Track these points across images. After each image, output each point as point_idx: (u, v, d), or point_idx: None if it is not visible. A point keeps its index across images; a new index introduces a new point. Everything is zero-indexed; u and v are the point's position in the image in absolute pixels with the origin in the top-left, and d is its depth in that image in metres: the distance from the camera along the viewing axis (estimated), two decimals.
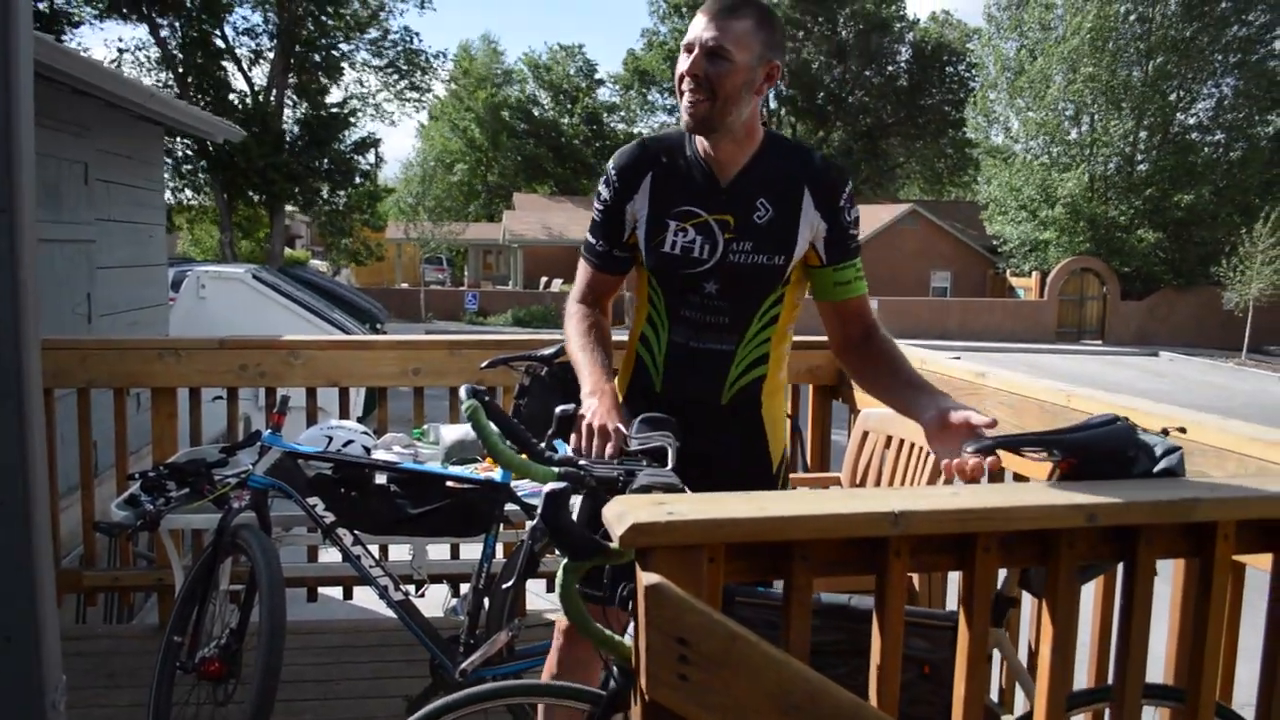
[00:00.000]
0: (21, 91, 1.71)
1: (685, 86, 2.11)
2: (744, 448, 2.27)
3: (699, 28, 2.08)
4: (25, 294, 1.70)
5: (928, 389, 2.06)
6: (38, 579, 1.76)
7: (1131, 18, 33.10)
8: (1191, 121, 35.38)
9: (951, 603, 3.41)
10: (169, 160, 29.25)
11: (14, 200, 1.69)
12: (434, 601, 3.45)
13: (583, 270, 2.37)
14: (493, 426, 1.88)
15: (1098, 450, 1.77)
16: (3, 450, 1.69)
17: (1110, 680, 1.91)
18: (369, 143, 34.90)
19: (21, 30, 1.71)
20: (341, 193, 34.41)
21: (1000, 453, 1.78)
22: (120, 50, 31.90)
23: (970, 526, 1.57)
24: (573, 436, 2.02)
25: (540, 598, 4.40)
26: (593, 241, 2.33)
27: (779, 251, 2.17)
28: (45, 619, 1.78)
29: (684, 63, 2.10)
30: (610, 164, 2.27)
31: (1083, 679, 2.61)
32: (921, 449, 3.13)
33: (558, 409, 2.09)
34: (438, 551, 4.00)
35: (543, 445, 1.98)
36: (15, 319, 1.67)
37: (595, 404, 2.05)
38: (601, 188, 2.28)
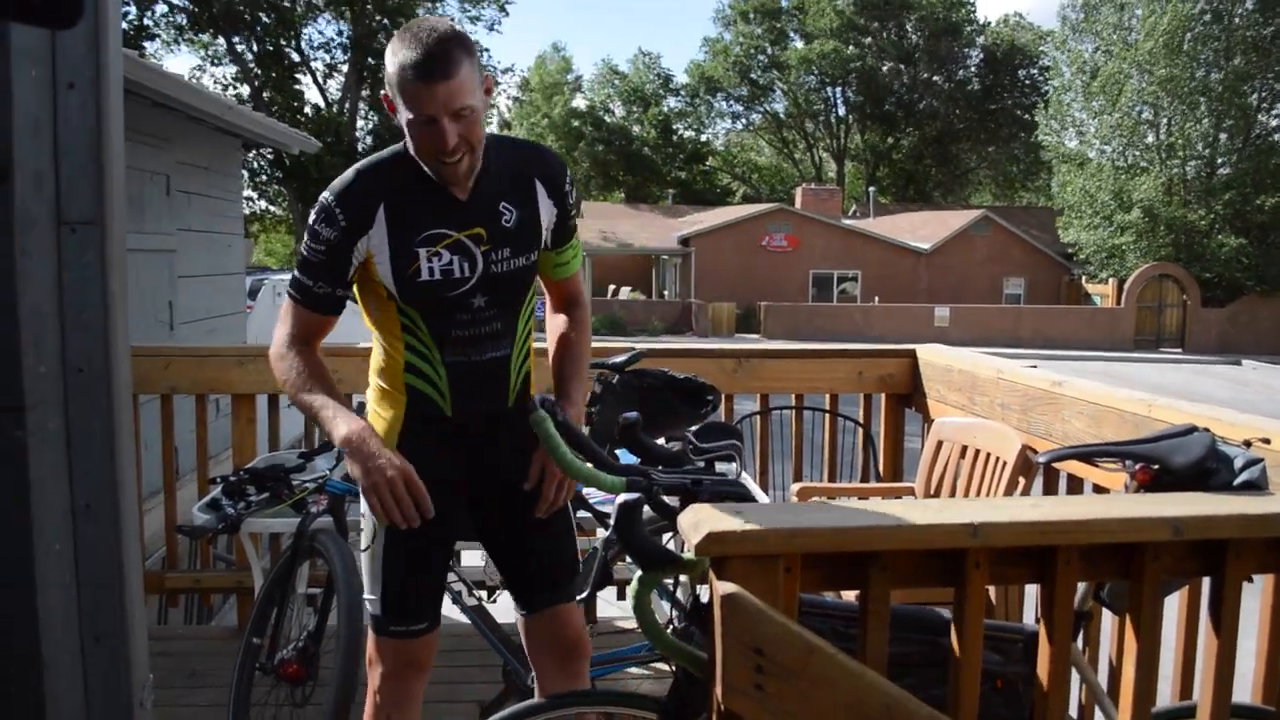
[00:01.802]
0: (112, 105, 1.75)
1: (445, 158, 2.01)
2: (532, 448, 2.23)
3: (430, 101, 1.94)
4: (116, 303, 1.75)
5: (563, 389, 2.23)
6: (127, 579, 1.80)
7: (1208, 17, 32.29)
8: (1274, 123, 34.38)
9: (1029, 616, 3.35)
10: (245, 171, 29.92)
11: (105, 212, 1.74)
12: (506, 607, 3.46)
13: (294, 313, 2.18)
14: (560, 436, 1.88)
15: (1176, 461, 1.73)
16: (94, 455, 1.74)
17: (1195, 698, 1.86)
18: None
19: (112, 47, 1.76)
20: None
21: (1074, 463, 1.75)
22: (199, 68, 32.74)
23: (1051, 539, 1.54)
24: (370, 502, 2.01)
25: (611, 605, 4.41)
26: (309, 283, 2.13)
27: (531, 248, 2.20)
28: (134, 619, 1.83)
29: (433, 138, 1.98)
30: (328, 199, 2.08)
31: (1165, 696, 2.55)
32: (998, 459, 3.07)
33: (621, 416, 2.09)
34: None
35: (611, 454, 1.99)
36: (106, 327, 1.71)
37: (375, 451, 2.01)
38: (320, 226, 2.07)
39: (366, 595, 2.28)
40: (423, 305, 2.13)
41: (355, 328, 2.39)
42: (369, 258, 2.09)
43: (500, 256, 2.15)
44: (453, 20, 2.15)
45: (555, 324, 2.39)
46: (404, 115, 1.98)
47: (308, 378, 2.14)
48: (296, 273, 2.14)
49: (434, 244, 2.09)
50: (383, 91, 2.07)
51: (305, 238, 2.12)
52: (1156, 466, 1.68)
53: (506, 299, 2.20)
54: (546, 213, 2.22)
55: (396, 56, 1.95)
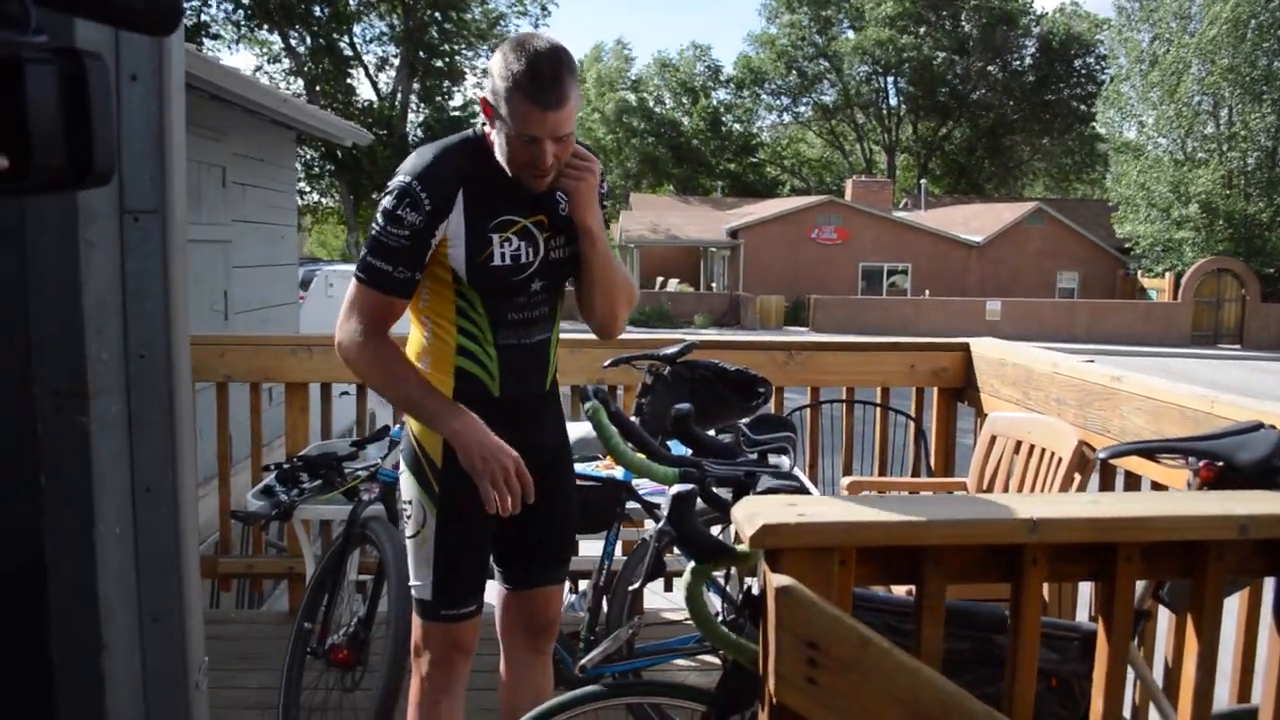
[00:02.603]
0: (174, 97, 1.78)
1: (536, 174, 2.05)
2: (562, 427, 2.42)
3: (539, 125, 1.98)
4: (176, 291, 1.77)
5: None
6: (184, 562, 1.83)
7: (1274, 4, 31.51)
8: None
9: (1082, 613, 3.30)
10: (298, 164, 30.30)
11: (166, 202, 1.76)
12: None
13: (368, 300, 2.13)
14: (613, 427, 1.88)
15: (1241, 458, 1.69)
16: (154, 440, 1.76)
17: (1254, 700, 1.81)
18: None
19: (174, 41, 1.79)
20: None
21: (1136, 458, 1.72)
22: (257, 68, 33.19)
23: (1110, 536, 1.51)
24: (484, 489, 2.07)
25: (658, 596, 4.41)
26: (388, 269, 2.09)
27: (578, 237, 2.23)
28: (190, 601, 1.86)
29: (531, 156, 2.02)
30: (410, 182, 2.07)
31: (1221, 699, 2.50)
32: (1054, 454, 3.03)
33: (673, 408, 2.09)
34: None
35: (662, 445, 1.98)
36: (167, 315, 1.74)
37: (491, 442, 2.08)
38: (404, 210, 2.06)
39: (413, 582, 2.29)
40: (486, 289, 2.16)
41: (404, 317, 2.40)
42: (444, 242, 2.10)
43: (557, 243, 2.21)
44: (554, 38, 2.13)
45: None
46: (506, 128, 2.01)
47: (400, 370, 2.14)
48: (371, 258, 2.10)
49: (505, 230, 2.14)
50: (481, 95, 2.08)
51: (383, 222, 2.08)
52: (1221, 464, 1.65)
53: (556, 284, 2.26)
54: None
55: (511, 72, 1.97)
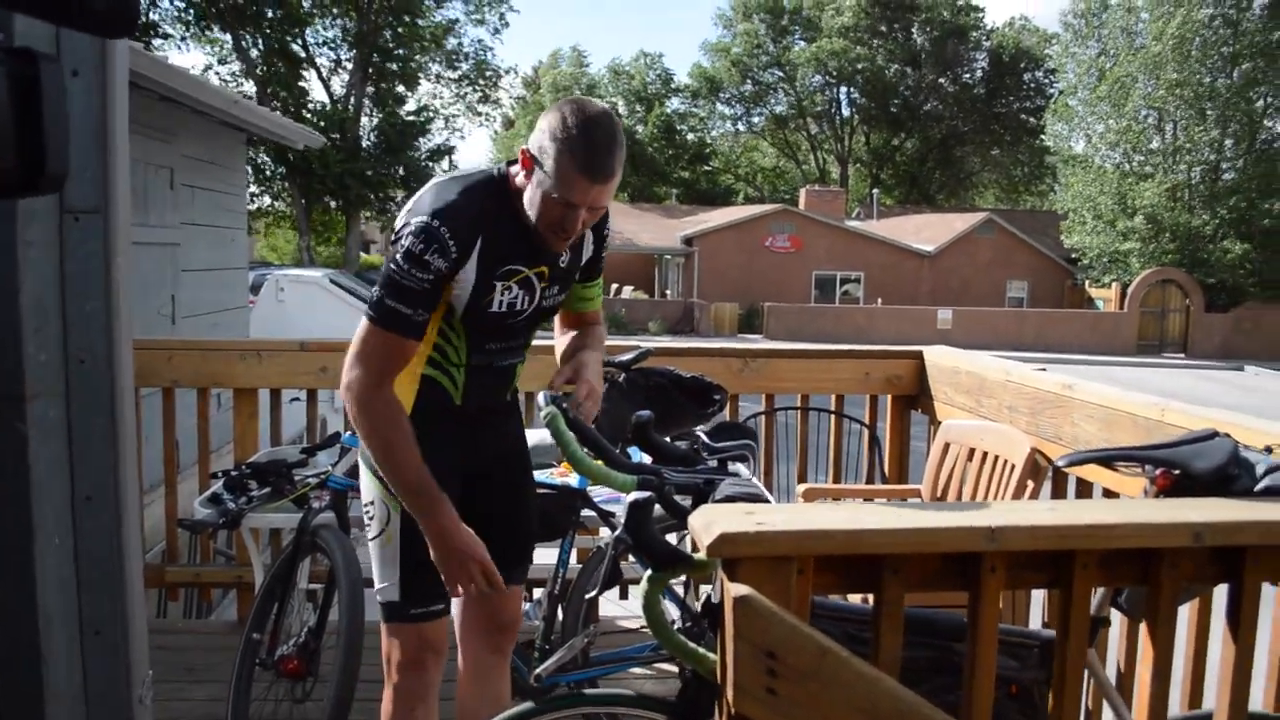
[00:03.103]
0: (117, 94, 1.73)
1: (563, 235, 2.06)
2: (520, 430, 2.48)
3: (583, 195, 1.98)
4: (118, 293, 1.73)
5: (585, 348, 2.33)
6: (127, 574, 1.78)
7: (1216, 22, 32.20)
8: None
9: (1034, 620, 3.32)
10: (249, 167, 29.98)
11: (109, 201, 1.71)
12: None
13: (386, 345, 2.05)
14: (570, 434, 1.86)
15: (1197, 466, 1.70)
16: (95, 446, 1.71)
17: (1208, 707, 1.83)
18: (443, 150, 35.39)
19: (118, 41, 1.74)
20: None
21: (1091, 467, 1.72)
22: (206, 67, 32.78)
23: (1069, 543, 1.52)
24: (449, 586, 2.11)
25: (613, 604, 4.38)
26: (408, 312, 2.02)
27: (570, 283, 2.31)
28: (134, 614, 1.81)
29: (563, 218, 2.01)
30: (440, 226, 2.00)
31: (1175, 704, 2.52)
32: (1007, 462, 3.05)
33: (634, 415, 2.07)
34: None
35: (622, 453, 1.96)
36: (108, 317, 1.69)
37: (467, 548, 2.10)
38: (431, 256, 1.99)
39: (379, 585, 2.25)
40: (474, 327, 2.17)
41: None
42: (456, 285, 2.08)
43: (551, 293, 2.24)
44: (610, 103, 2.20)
45: (569, 332, 2.46)
46: (545, 185, 1.99)
47: (407, 443, 2.06)
48: (389, 300, 2.01)
49: (509, 278, 2.14)
50: (522, 147, 2.06)
51: (405, 265, 2.00)
52: (1178, 471, 1.65)
53: (539, 322, 2.31)
54: (588, 251, 2.32)
55: (567, 134, 1.94)
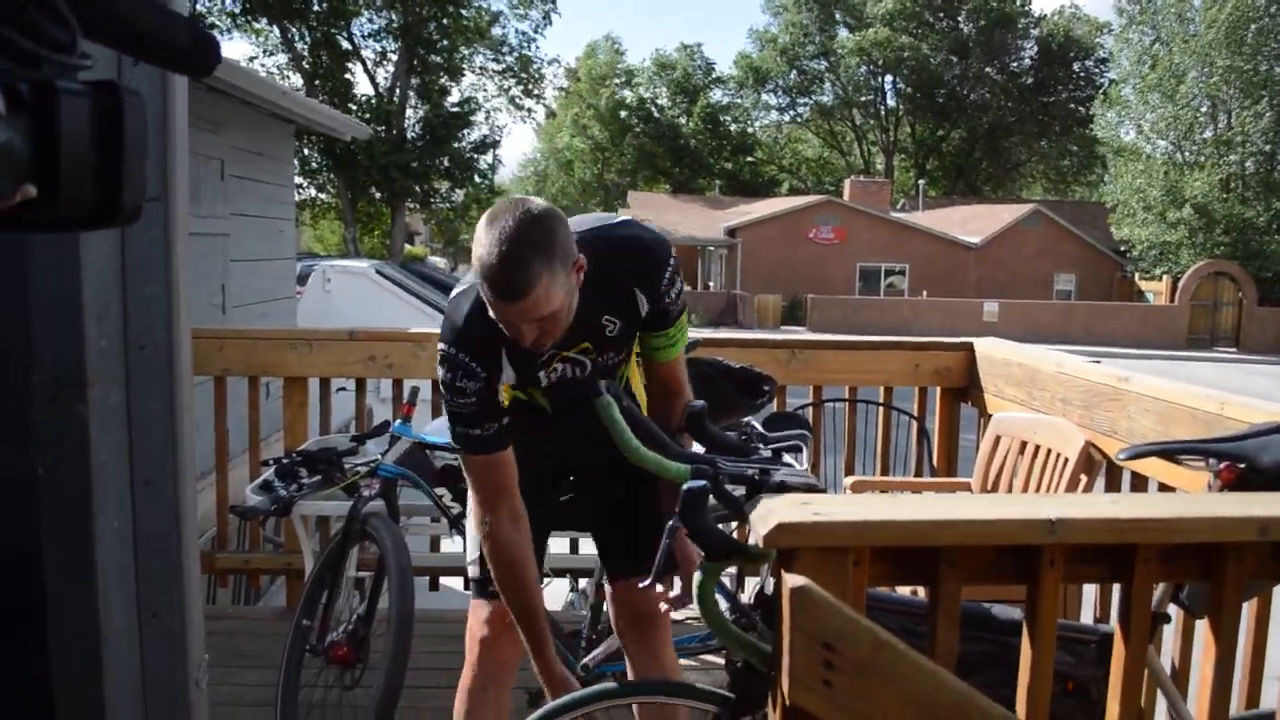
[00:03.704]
0: (176, 81, 1.75)
1: (528, 346, 1.96)
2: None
3: (505, 312, 1.87)
4: (178, 281, 1.74)
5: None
6: (184, 558, 1.80)
7: (1274, 8, 31.51)
8: None
9: (1087, 615, 3.28)
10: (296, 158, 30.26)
11: (169, 189, 1.73)
12: (554, 595, 3.44)
13: (479, 469, 2.10)
14: (625, 422, 1.85)
15: (1264, 460, 1.66)
16: (154, 432, 1.73)
17: (1267, 705, 1.79)
18: (488, 143, 35.50)
19: None
20: (460, 191, 35.11)
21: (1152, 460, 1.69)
22: (251, 58, 33.09)
23: (1130, 537, 1.49)
24: None
25: None
26: (475, 432, 2.06)
27: (630, 341, 2.23)
28: (190, 597, 1.83)
29: (513, 331, 1.92)
30: (458, 353, 2.02)
31: (1234, 702, 2.47)
32: (1060, 455, 3.00)
33: (688, 404, 2.06)
34: (558, 545, 4.01)
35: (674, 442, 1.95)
36: (169, 304, 1.71)
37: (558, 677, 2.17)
38: (461, 382, 2.02)
39: (468, 559, 2.31)
40: (540, 390, 2.23)
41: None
42: (499, 385, 2.11)
43: (606, 357, 2.20)
44: (534, 207, 1.97)
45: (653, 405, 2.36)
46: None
47: (529, 591, 2.14)
48: (459, 428, 2.07)
49: (550, 364, 2.14)
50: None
51: (447, 395, 2.06)
52: (1243, 465, 1.62)
53: (609, 376, 2.25)
54: (642, 308, 2.16)
55: (477, 256, 1.85)
